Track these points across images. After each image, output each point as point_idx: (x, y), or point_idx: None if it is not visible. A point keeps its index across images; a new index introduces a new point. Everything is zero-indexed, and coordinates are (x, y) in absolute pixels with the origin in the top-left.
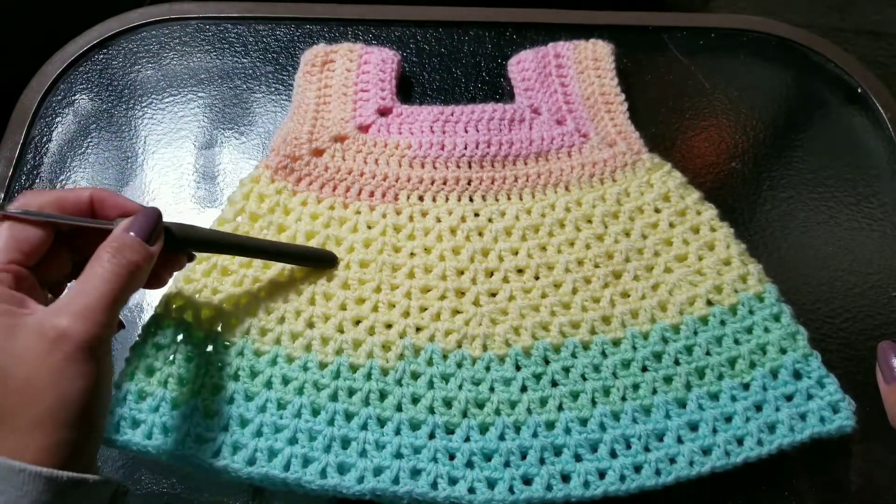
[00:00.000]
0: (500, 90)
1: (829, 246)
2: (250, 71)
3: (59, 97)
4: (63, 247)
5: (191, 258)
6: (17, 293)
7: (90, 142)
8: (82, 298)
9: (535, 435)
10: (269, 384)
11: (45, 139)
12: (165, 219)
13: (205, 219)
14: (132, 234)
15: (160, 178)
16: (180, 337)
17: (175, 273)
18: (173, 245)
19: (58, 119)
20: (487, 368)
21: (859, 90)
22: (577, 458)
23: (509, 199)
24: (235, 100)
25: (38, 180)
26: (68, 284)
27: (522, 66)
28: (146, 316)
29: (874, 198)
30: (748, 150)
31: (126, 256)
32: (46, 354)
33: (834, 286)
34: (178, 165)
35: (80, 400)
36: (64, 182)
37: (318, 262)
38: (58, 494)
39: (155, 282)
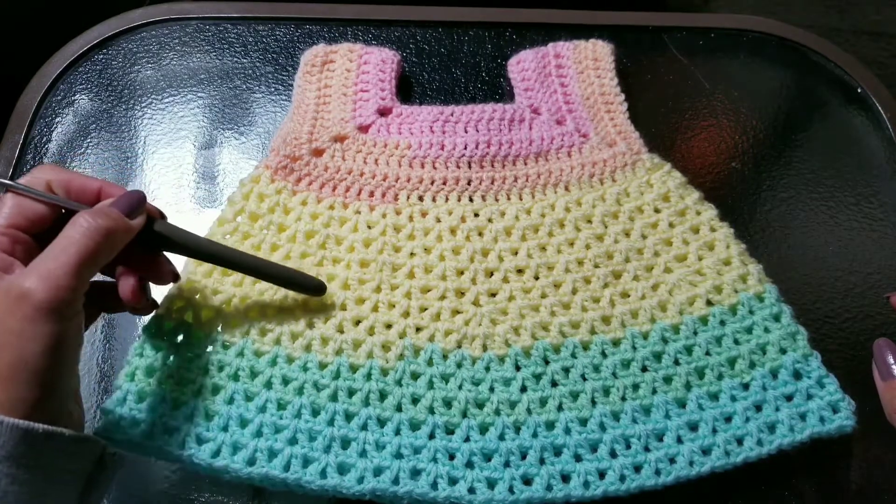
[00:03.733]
0: (499, 90)
1: (829, 246)
2: (250, 71)
3: (59, 97)
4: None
5: (175, 278)
6: (7, 258)
7: (90, 142)
8: (49, 260)
9: (534, 435)
10: (269, 384)
11: (45, 139)
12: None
13: (205, 219)
14: (111, 206)
15: (160, 178)
16: (180, 338)
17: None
18: (151, 237)
19: (58, 119)
20: (487, 368)
21: (859, 90)
22: (577, 458)
23: (509, 199)
24: (235, 100)
25: None
26: None
27: (522, 66)
28: (146, 317)
29: (874, 198)
30: (748, 150)
31: (99, 221)
32: (7, 313)
33: (834, 286)
34: (178, 165)
35: (38, 361)
36: None
37: (304, 287)
38: (33, 446)
39: (134, 295)
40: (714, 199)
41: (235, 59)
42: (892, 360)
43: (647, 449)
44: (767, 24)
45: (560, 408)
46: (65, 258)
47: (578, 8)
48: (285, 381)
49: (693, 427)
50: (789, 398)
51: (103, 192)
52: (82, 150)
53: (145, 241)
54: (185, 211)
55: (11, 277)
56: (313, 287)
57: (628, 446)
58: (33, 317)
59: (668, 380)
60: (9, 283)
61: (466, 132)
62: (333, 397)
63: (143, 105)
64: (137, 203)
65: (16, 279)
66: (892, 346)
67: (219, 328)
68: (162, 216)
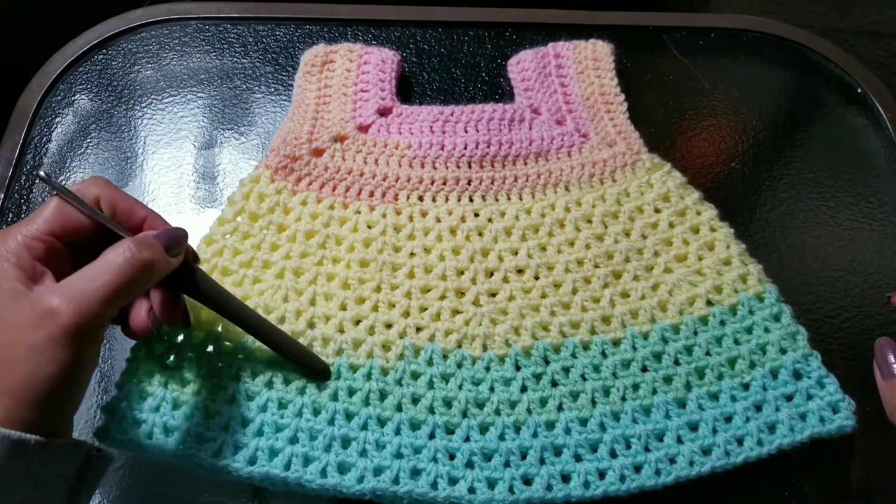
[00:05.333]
0: (499, 90)
1: (829, 246)
2: (250, 71)
3: (59, 97)
4: (106, 238)
5: (186, 324)
6: (39, 266)
7: (90, 142)
8: (84, 282)
9: (535, 435)
10: (269, 384)
11: (45, 139)
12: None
13: (205, 219)
14: (155, 240)
15: (160, 178)
16: (181, 337)
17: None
18: (182, 279)
19: (58, 119)
20: (487, 368)
21: (859, 90)
22: (577, 458)
23: (509, 199)
24: (235, 100)
25: (38, 180)
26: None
27: (522, 66)
28: None
29: (874, 198)
30: (748, 150)
31: (144, 253)
32: (29, 329)
33: (834, 286)
34: (178, 165)
35: (49, 383)
36: (64, 182)
37: (311, 369)
38: (23, 457)
39: (144, 324)
40: (714, 199)
41: (235, 59)
42: (892, 359)
43: (647, 449)
44: (767, 24)
45: (560, 408)
46: (101, 283)
47: (578, 8)
48: (286, 381)
49: (693, 427)
50: (789, 398)
51: (148, 222)
52: (82, 150)
53: (174, 280)
54: (185, 211)
55: (41, 290)
56: (319, 370)
57: (628, 446)
58: (56, 338)
59: (668, 380)
60: (38, 295)
61: (466, 132)
62: (334, 397)
63: (143, 105)
64: (179, 240)
65: (45, 294)
66: (893, 344)
67: (219, 328)
68: (196, 259)
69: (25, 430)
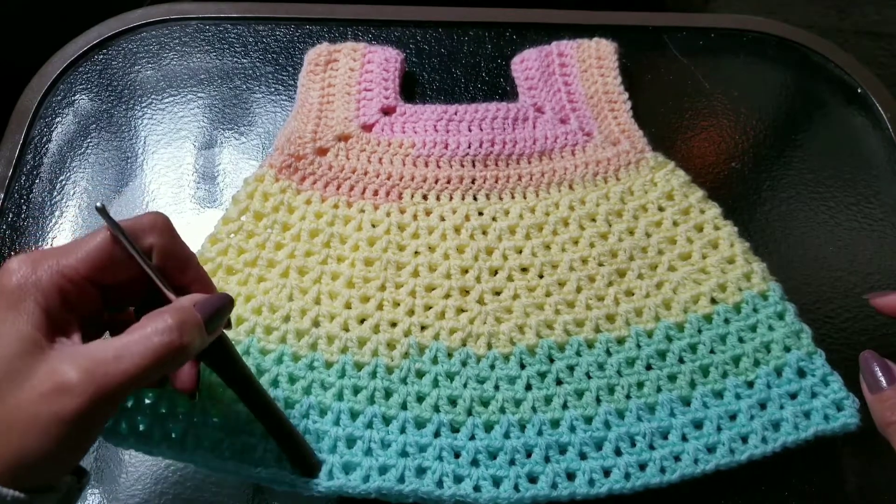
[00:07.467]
0: (499, 90)
1: (829, 246)
2: (250, 71)
3: (59, 97)
4: (141, 284)
5: (193, 395)
6: (67, 314)
7: (90, 142)
8: (109, 359)
9: (539, 433)
10: (275, 383)
11: (45, 139)
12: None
13: (205, 219)
14: (198, 313)
15: (160, 179)
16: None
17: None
18: (214, 351)
19: (58, 119)
20: (492, 367)
21: (859, 90)
22: (582, 456)
23: (513, 197)
24: (235, 100)
25: (37, 180)
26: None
27: (526, 64)
28: None
29: (874, 198)
30: (748, 150)
31: (184, 339)
32: (37, 398)
33: (834, 286)
34: (178, 165)
35: (41, 459)
36: (64, 182)
37: (302, 463)
38: None
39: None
40: (714, 199)
41: (235, 59)
42: (879, 372)
43: (651, 447)
44: (767, 24)
45: (565, 406)
46: (128, 366)
47: (578, 8)
48: (292, 380)
49: (698, 425)
50: (794, 396)
51: (195, 283)
52: (82, 150)
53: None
54: (185, 211)
55: (62, 352)
56: (310, 464)
57: (633, 444)
58: (63, 419)
59: (672, 378)
60: (57, 360)
61: (470, 131)
62: (339, 396)
63: (143, 105)
64: (222, 311)
65: (65, 361)
66: (879, 357)
67: None
68: (227, 326)
69: (5, 486)
